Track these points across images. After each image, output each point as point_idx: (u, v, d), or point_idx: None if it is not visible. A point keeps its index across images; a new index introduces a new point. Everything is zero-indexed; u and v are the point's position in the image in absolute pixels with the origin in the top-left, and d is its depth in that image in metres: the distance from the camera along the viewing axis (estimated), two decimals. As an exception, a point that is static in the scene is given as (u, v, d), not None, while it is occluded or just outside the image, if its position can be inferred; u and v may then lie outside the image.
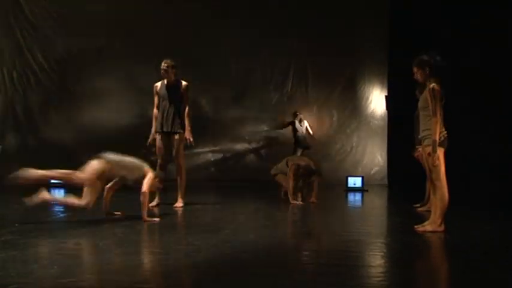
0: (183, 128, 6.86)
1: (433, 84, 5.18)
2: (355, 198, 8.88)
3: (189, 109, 6.94)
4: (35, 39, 10.82)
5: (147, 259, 4.13)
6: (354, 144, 11.16)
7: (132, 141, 10.97)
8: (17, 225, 5.34)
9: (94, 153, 5.67)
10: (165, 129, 6.87)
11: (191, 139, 6.85)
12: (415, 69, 5.34)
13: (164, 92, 6.91)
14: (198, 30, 10.82)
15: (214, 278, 3.63)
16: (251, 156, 11.19)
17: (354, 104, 11.21)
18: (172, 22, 10.76)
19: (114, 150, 5.83)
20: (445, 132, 5.17)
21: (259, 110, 11.21)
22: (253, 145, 11.24)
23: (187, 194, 7.23)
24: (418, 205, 7.15)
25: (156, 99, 7.01)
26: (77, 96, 10.88)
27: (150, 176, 5.72)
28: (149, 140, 7.03)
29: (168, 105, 6.85)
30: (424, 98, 5.24)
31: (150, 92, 7.12)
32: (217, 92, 11.07)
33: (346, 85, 11.18)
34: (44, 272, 3.65)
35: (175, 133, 6.87)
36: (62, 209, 6.61)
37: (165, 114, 6.86)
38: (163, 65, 6.94)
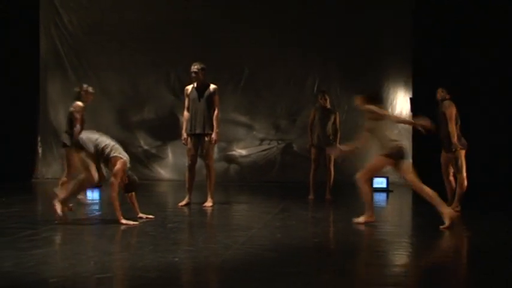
0: (213, 130, 7.03)
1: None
2: (380, 199, 8.91)
3: (218, 111, 7.10)
4: (71, 46, 11.20)
5: (177, 257, 4.27)
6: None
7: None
8: (56, 222, 5.57)
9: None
10: (197, 131, 7.03)
11: (215, 140, 7.02)
12: None
13: (194, 94, 7.08)
14: (221, 37, 10.98)
15: (243, 276, 3.75)
16: (278, 157, 11.28)
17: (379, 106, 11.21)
18: (192, 29, 10.97)
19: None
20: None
21: (285, 111, 11.28)
22: (280, 146, 11.33)
23: (216, 193, 7.38)
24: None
25: (186, 101, 7.18)
26: (111, 100, 11.16)
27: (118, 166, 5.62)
28: (182, 141, 7.23)
29: (198, 107, 7.01)
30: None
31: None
32: (244, 93, 11.19)
33: (371, 87, 11.15)
34: (81, 267, 3.83)
35: (206, 135, 7.03)
36: (97, 208, 6.83)
37: (195, 116, 7.03)
38: (194, 67, 7.12)
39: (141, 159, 11.24)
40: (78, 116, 6.66)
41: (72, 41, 11.24)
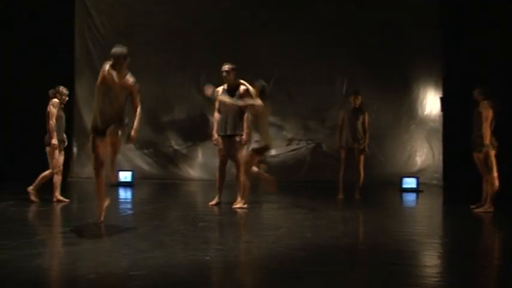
0: (244, 131, 7.09)
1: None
2: (409, 199, 8.85)
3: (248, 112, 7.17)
4: (103, 48, 11.44)
5: (208, 255, 4.34)
6: (409, 145, 11.07)
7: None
8: (91, 220, 5.72)
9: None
10: (228, 133, 7.12)
11: (245, 141, 7.08)
12: None
13: (225, 95, 7.15)
14: (250, 38, 11.05)
15: (272, 275, 3.81)
16: (307, 157, 11.29)
17: (408, 106, 11.11)
18: (222, 30, 11.06)
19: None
20: None
21: (314, 112, 11.28)
22: (309, 146, 11.34)
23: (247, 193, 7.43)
24: (474, 206, 7.08)
25: (217, 103, 7.26)
26: (142, 101, 11.31)
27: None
28: (213, 142, 7.33)
29: (229, 108, 7.08)
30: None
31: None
32: (273, 94, 11.22)
33: (400, 87, 11.09)
34: (116, 264, 3.94)
35: (237, 135, 7.10)
36: (129, 207, 6.97)
37: (226, 118, 7.10)
38: (225, 67, 7.20)
39: (171, 159, 11.40)
40: (54, 110, 7.16)
41: (104, 43, 11.46)
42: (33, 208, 6.81)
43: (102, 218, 5.51)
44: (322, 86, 11.17)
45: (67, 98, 7.45)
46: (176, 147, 11.42)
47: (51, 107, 7.20)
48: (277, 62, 11.13)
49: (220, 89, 7.26)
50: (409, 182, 9.67)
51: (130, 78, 5.54)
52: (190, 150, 11.37)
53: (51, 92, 7.37)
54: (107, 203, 5.54)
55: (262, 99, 6.90)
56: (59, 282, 3.53)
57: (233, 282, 3.70)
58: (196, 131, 11.17)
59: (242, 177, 7.08)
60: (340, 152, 8.47)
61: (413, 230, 5.70)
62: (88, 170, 11.10)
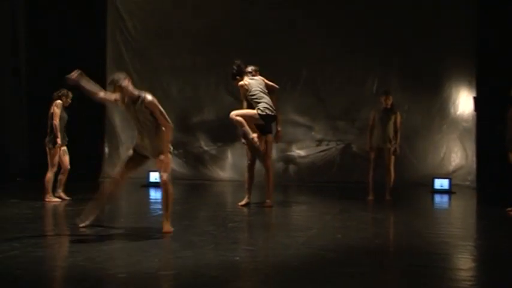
0: (271, 131, 7.09)
1: None
2: (442, 200, 8.71)
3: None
4: (135, 51, 11.62)
5: (237, 256, 4.35)
6: (441, 146, 10.89)
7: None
8: (122, 220, 5.79)
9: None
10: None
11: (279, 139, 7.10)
12: None
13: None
14: (280, 37, 11.04)
15: (302, 276, 3.79)
16: (337, 158, 11.22)
17: (440, 106, 10.92)
18: (251, 31, 11.08)
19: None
20: None
21: (344, 112, 11.20)
22: (339, 147, 11.27)
23: (275, 194, 7.44)
24: (510, 209, 6.91)
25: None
26: (172, 102, 11.47)
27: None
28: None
29: None
30: None
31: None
32: (302, 94, 11.20)
33: (432, 86, 10.92)
34: (147, 263, 3.98)
35: (266, 135, 7.10)
36: (160, 207, 7.03)
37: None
38: (250, 68, 7.22)
39: (201, 160, 11.47)
40: (57, 111, 7.37)
41: (136, 45, 11.64)
42: (64, 208, 6.94)
43: (84, 224, 5.31)
44: (352, 86, 11.08)
45: (70, 101, 7.64)
46: (206, 148, 11.48)
47: (55, 107, 7.41)
48: (306, 63, 11.09)
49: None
50: (441, 183, 9.51)
51: (146, 98, 5.14)
52: (220, 151, 11.42)
53: (55, 94, 7.57)
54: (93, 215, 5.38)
55: None
56: (92, 281, 3.58)
57: (263, 283, 3.69)
58: (225, 132, 11.19)
59: (271, 177, 7.08)
60: (370, 152, 8.39)
61: (446, 232, 5.60)
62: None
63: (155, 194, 8.46)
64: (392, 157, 8.23)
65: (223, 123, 11.50)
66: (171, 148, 5.24)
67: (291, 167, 11.28)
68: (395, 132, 8.26)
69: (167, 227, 5.11)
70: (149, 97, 5.13)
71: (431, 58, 10.72)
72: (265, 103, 6.89)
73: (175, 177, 10.96)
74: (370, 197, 8.18)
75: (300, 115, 11.29)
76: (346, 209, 7.19)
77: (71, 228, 5.22)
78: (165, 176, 5.11)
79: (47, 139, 7.44)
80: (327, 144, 11.26)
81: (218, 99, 11.36)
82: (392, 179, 8.23)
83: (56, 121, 7.37)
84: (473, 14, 10.41)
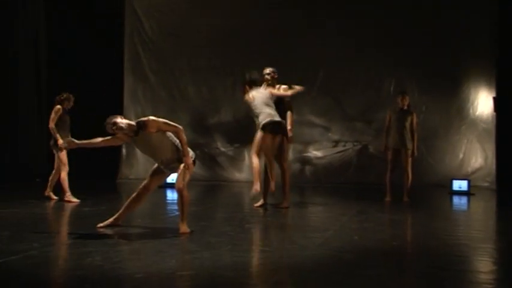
0: (285, 131, 7.08)
1: None
2: (460, 202, 8.61)
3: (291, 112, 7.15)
4: (152, 51, 11.71)
5: (254, 256, 4.35)
6: (460, 147, 10.78)
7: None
8: (139, 220, 5.83)
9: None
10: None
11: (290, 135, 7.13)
12: None
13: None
14: (298, 39, 11.03)
15: (319, 278, 3.77)
16: (354, 159, 11.17)
17: (459, 106, 10.81)
18: (268, 32, 11.08)
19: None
20: None
21: (361, 113, 11.15)
22: (356, 148, 11.21)
23: (292, 195, 7.42)
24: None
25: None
26: (189, 102, 11.53)
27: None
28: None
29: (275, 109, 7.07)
30: None
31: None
32: (319, 95, 11.17)
33: (450, 86, 10.82)
34: (164, 264, 3.99)
35: (277, 134, 7.09)
36: (177, 208, 7.06)
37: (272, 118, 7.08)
38: (269, 70, 7.20)
39: (218, 161, 11.50)
40: (53, 115, 7.53)
41: (153, 46, 11.72)
42: (83, 208, 7.00)
43: (102, 224, 5.39)
44: (370, 87, 11.03)
45: (73, 104, 7.81)
46: (222, 149, 11.52)
47: (53, 112, 7.59)
48: (323, 64, 11.07)
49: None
50: (460, 185, 9.41)
51: (144, 122, 5.07)
52: (237, 152, 11.44)
53: (57, 98, 7.72)
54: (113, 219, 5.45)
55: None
56: (109, 281, 3.61)
57: (279, 284, 3.69)
58: (242, 133, 11.21)
59: (287, 178, 7.08)
60: (386, 153, 8.34)
61: (465, 234, 5.54)
62: (135, 171, 11.36)
63: (172, 195, 8.49)
64: (410, 158, 8.17)
65: (240, 124, 11.54)
66: (191, 152, 5.24)
67: (308, 168, 11.26)
68: (412, 133, 8.20)
69: (184, 228, 5.13)
70: (145, 118, 5.10)
71: (450, 58, 10.62)
72: (265, 114, 6.81)
73: (192, 178, 11.02)
74: (388, 199, 8.13)
75: (316, 116, 11.26)
76: (363, 210, 7.14)
77: (88, 228, 5.27)
78: (181, 183, 5.10)
79: (52, 142, 7.59)
80: (344, 145, 11.22)
81: (235, 100, 11.37)
82: (409, 180, 8.17)
83: (52, 125, 7.51)
84: (493, 14, 10.30)
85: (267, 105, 6.89)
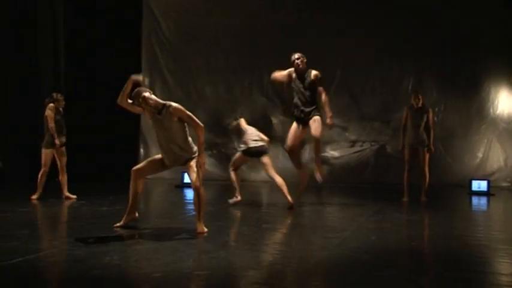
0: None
1: None
2: (480, 202, 8.51)
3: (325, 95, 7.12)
4: (169, 52, 11.77)
5: (272, 257, 4.34)
6: (479, 146, 10.66)
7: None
8: (156, 220, 5.86)
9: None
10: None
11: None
12: None
13: (297, 82, 7.13)
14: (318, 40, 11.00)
15: (336, 278, 3.76)
16: (371, 159, 11.10)
17: (479, 105, 10.68)
18: (285, 32, 11.06)
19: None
20: None
21: (379, 112, 11.08)
22: (373, 148, 11.14)
23: (309, 195, 7.41)
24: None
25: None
26: (206, 102, 11.57)
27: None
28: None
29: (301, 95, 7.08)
30: None
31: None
32: (336, 94, 11.12)
33: (470, 85, 10.69)
34: (181, 264, 4.01)
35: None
36: (193, 207, 7.08)
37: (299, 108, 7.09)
38: (297, 55, 7.17)
39: (235, 161, 11.51)
40: (52, 114, 7.60)
41: (170, 46, 11.79)
42: (101, 207, 7.05)
43: (119, 224, 5.44)
44: (387, 86, 10.96)
45: (64, 103, 7.86)
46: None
47: (49, 111, 7.64)
48: (340, 63, 11.02)
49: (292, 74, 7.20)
50: (479, 185, 9.30)
51: (171, 105, 5.21)
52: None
53: (47, 100, 7.80)
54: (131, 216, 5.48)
55: None
56: (127, 280, 3.63)
57: (296, 284, 3.68)
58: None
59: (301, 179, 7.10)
60: (403, 152, 8.28)
61: (485, 235, 5.46)
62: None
63: (189, 195, 8.51)
64: (427, 157, 8.10)
65: (257, 124, 11.52)
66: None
67: (325, 168, 11.20)
68: (428, 131, 8.14)
69: (201, 228, 5.15)
70: (174, 104, 5.21)
71: (469, 57, 10.51)
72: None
73: (209, 178, 11.10)
74: (405, 199, 8.06)
75: (334, 116, 11.16)
76: (380, 210, 7.10)
77: (107, 228, 5.31)
78: (198, 182, 5.12)
79: (48, 141, 7.66)
80: (361, 145, 11.16)
81: (252, 99, 11.40)
82: (427, 180, 8.10)
83: (52, 124, 7.59)
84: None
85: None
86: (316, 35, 10.96)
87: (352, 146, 11.18)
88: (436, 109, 10.59)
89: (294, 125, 7.18)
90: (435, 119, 10.26)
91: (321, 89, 7.10)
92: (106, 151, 10.67)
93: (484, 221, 6.97)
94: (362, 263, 4.12)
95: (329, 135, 11.17)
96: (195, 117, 5.21)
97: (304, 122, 7.10)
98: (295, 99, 7.13)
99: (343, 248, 4.62)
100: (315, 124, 6.99)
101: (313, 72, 7.10)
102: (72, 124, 10.80)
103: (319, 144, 7.06)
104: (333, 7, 11.03)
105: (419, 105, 8.17)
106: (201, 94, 11.62)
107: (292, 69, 7.18)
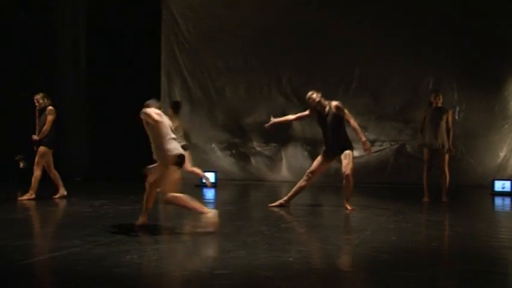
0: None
1: None
2: (503, 203, 8.38)
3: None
4: (188, 52, 11.84)
5: (290, 256, 4.34)
6: (502, 146, 10.50)
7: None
8: (176, 220, 5.90)
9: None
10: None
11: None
12: None
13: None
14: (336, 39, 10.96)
15: (356, 278, 3.74)
16: (391, 159, 11.01)
17: (501, 105, 10.52)
18: (304, 32, 11.03)
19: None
20: None
21: (399, 112, 10.98)
22: (393, 147, 11.06)
23: (328, 195, 7.38)
24: None
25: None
26: (225, 102, 11.60)
27: None
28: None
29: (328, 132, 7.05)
30: None
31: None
32: (355, 94, 11.07)
33: (492, 85, 10.54)
34: (201, 263, 4.04)
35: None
36: (213, 207, 7.11)
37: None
38: (308, 94, 7.05)
39: (253, 161, 11.53)
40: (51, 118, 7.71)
41: (189, 47, 11.83)
42: (124, 207, 7.13)
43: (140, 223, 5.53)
44: (407, 85, 10.87)
45: (36, 104, 7.86)
46: (258, 148, 11.54)
47: (54, 113, 7.78)
48: (359, 62, 10.96)
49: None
50: (503, 185, 9.17)
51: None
52: (273, 152, 11.45)
53: (49, 102, 7.86)
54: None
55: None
56: (147, 279, 3.67)
57: (316, 284, 3.67)
58: (278, 133, 11.22)
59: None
60: (423, 152, 8.20)
61: (508, 237, 5.39)
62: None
63: (208, 194, 8.56)
64: (447, 157, 8.02)
65: (276, 124, 11.54)
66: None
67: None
68: (448, 131, 8.05)
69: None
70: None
71: (491, 56, 10.36)
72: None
73: (228, 178, 11.15)
74: (426, 199, 7.99)
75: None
76: (400, 210, 7.05)
77: (127, 227, 5.36)
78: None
79: (45, 141, 7.71)
80: (381, 145, 11.08)
81: (271, 99, 11.40)
82: (447, 180, 8.01)
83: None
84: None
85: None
86: (335, 35, 10.92)
87: (371, 146, 11.10)
88: (457, 108, 10.48)
89: (321, 157, 7.12)
90: (456, 118, 10.20)
91: (347, 115, 7.01)
92: (127, 151, 10.77)
93: (507, 222, 6.87)
94: (382, 263, 4.09)
95: (348, 135, 11.12)
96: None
97: (332, 156, 7.05)
98: (324, 135, 7.06)
99: (363, 248, 4.60)
100: (346, 160, 6.92)
101: (334, 104, 7.00)
102: (94, 126, 10.97)
103: (349, 180, 6.91)
104: (352, 7, 10.96)
105: (439, 104, 8.09)
106: (220, 94, 11.66)
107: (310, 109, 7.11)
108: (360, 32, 10.83)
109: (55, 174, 7.80)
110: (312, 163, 7.33)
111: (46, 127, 7.65)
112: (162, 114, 5.30)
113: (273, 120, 7.26)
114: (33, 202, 7.34)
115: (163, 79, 11.89)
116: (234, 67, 11.55)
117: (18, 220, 6.17)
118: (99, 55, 11.30)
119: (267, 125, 7.34)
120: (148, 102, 5.43)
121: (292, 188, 7.23)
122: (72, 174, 10.78)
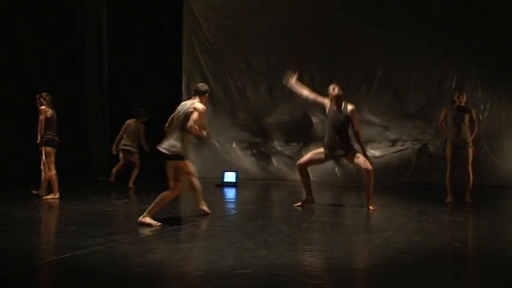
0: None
1: None
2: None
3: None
4: (209, 52, 11.88)
5: (312, 256, 4.33)
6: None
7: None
8: (197, 219, 5.93)
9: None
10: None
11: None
12: None
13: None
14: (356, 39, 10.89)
15: (378, 278, 3.71)
16: (413, 158, 10.90)
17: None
18: (326, 31, 10.98)
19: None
20: None
21: (421, 111, 10.87)
22: (415, 147, 10.94)
23: (349, 195, 7.34)
24: None
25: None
26: (247, 102, 11.62)
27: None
28: None
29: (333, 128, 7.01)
30: None
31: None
32: (377, 93, 10.98)
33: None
34: (222, 262, 4.04)
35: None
36: (234, 207, 7.13)
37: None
38: (332, 86, 7.09)
39: (274, 160, 11.52)
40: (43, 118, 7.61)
41: (210, 47, 11.88)
42: (146, 206, 7.17)
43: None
44: (430, 84, 10.75)
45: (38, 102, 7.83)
46: (279, 148, 11.52)
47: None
48: (381, 61, 10.87)
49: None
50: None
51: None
52: (293, 151, 11.42)
53: (49, 97, 7.81)
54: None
55: None
56: (168, 277, 3.69)
57: (338, 284, 3.66)
58: (299, 132, 11.21)
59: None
60: (445, 150, 8.10)
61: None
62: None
63: (229, 194, 8.58)
64: (471, 157, 7.90)
65: (297, 123, 11.53)
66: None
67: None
68: (472, 130, 7.94)
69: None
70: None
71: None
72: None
73: (249, 177, 11.16)
74: (449, 199, 7.89)
75: (374, 114, 11.06)
76: (423, 211, 6.97)
77: (150, 227, 5.41)
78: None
79: (44, 139, 7.67)
80: (403, 145, 10.98)
81: (292, 99, 11.35)
82: (471, 180, 7.90)
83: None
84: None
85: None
86: (356, 34, 10.85)
87: (393, 145, 11.01)
88: (481, 107, 10.32)
89: (319, 149, 7.09)
90: (480, 117, 10.05)
91: (357, 123, 7.02)
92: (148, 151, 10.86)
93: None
94: (404, 264, 4.06)
95: (370, 134, 11.04)
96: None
97: (331, 152, 7.00)
98: (327, 130, 7.03)
99: (385, 248, 4.56)
100: (360, 159, 6.89)
101: (350, 107, 6.96)
102: (116, 126, 11.05)
103: (371, 176, 6.87)
104: (374, 6, 10.88)
105: (462, 103, 7.98)
106: (241, 94, 11.68)
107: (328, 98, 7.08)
108: (382, 31, 10.74)
109: (51, 175, 7.84)
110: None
111: (38, 128, 7.71)
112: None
113: (292, 81, 7.20)
114: (56, 201, 7.44)
115: (185, 79, 11.96)
116: (255, 67, 11.55)
117: (41, 219, 6.27)
118: (121, 56, 11.40)
119: (285, 80, 7.33)
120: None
121: (311, 187, 7.19)
122: (95, 173, 10.90)
